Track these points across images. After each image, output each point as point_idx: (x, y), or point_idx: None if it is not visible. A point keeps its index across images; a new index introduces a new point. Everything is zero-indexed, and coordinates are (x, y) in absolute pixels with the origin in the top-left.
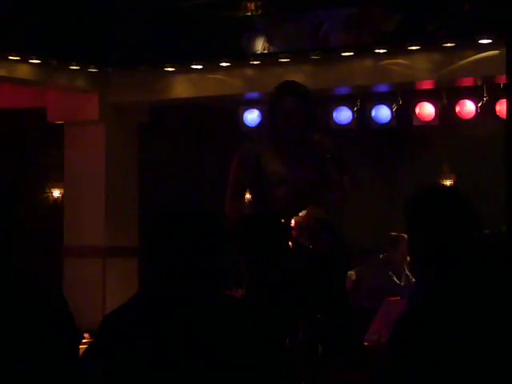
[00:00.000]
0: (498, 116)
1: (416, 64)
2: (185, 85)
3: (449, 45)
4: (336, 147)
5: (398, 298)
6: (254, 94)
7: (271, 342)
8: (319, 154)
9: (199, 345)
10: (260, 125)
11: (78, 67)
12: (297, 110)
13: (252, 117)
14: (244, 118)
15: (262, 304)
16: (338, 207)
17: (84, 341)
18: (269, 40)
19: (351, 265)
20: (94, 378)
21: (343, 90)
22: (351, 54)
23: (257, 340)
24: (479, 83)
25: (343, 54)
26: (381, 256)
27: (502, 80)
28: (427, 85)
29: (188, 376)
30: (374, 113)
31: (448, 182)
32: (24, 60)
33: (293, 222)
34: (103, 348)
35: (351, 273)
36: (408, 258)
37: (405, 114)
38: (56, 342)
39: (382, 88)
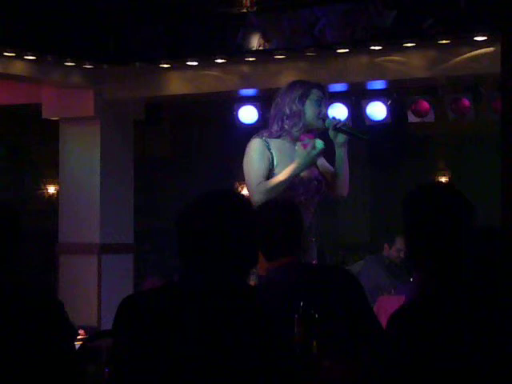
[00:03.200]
0: (493, 113)
1: (411, 61)
2: (180, 81)
3: (444, 42)
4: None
5: (394, 295)
6: (250, 91)
7: (284, 334)
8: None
9: (218, 332)
10: (265, 122)
11: (73, 63)
12: (323, 102)
13: (247, 113)
14: (239, 115)
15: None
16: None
17: (79, 337)
18: (264, 37)
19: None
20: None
21: (338, 87)
22: (346, 50)
23: (272, 331)
24: (474, 80)
25: (338, 50)
26: (377, 253)
27: (497, 77)
28: (422, 82)
29: (204, 363)
30: (369, 109)
31: (443, 179)
32: (19, 56)
33: None
34: (119, 332)
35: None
36: (402, 256)
37: (400, 110)
38: (51, 338)
39: (378, 85)
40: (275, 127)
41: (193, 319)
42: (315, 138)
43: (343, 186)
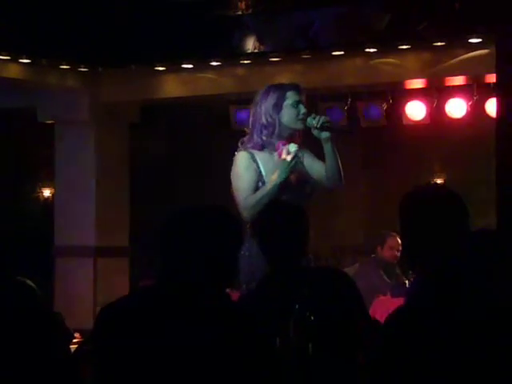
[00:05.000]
0: (488, 115)
1: (406, 63)
2: (175, 84)
3: (439, 44)
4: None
5: (389, 296)
6: (245, 93)
7: (266, 346)
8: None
9: (195, 343)
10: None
11: (68, 66)
12: (301, 102)
13: (242, 116)
14: (235, 117)
15: (266, 300)
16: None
17: (75, 340)
18: (259, 39)
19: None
20: (92, 370)
21: (334, 89)
22: (341, 53)
23: (252, 343)
24: (469, 82)
25: (334, 53)
26: (372, 255)
27: (492, 79)
28: (417, 84)
29: (182, 373)
30: (364, 112)
31: (439, 181)
32: (14, 59)
33: None
34: (99, 339)
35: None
36: (397, 254)
37: (395, 113)
38: (47, 342)
39: (373, 87)
40: (255, 137)
41: (170, 323)
42: (289, 143)
43: (338, 178)
